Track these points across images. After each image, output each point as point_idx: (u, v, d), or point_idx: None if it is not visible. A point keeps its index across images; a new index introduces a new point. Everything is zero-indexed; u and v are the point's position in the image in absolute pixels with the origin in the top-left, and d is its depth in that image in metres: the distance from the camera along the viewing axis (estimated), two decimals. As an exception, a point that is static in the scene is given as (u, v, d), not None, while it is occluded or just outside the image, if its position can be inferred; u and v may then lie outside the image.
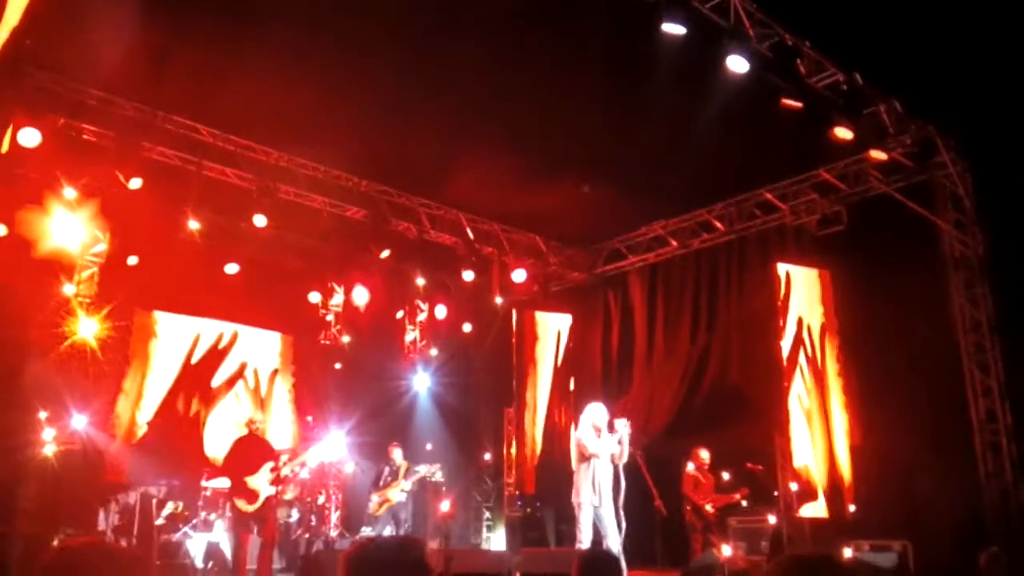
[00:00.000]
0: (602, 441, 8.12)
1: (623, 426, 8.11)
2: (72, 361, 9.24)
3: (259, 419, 8.42)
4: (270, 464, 7.79)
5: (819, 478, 9.06)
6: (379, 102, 8.45)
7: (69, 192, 8.75)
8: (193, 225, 9.48)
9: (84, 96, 8.54)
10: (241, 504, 7.66)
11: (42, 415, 8.67)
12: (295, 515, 10.21)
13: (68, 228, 8.92)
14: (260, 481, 7.68)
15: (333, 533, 11.24)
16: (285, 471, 8.03)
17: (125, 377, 10.18)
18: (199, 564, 9.34)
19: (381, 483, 9.93)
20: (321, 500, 11.35)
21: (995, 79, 7.21)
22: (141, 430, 10.17)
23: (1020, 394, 8.14)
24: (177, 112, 9.01)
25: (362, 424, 11.83)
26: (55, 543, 7.61)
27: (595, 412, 8.29)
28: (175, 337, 10.88)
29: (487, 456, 13.33)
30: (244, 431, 8.43)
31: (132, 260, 9.88)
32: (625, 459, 8.17)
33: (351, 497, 11.97)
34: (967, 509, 7.88)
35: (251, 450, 7.90)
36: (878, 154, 8.37)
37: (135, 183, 8.62)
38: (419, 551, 1.82)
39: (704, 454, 9.73)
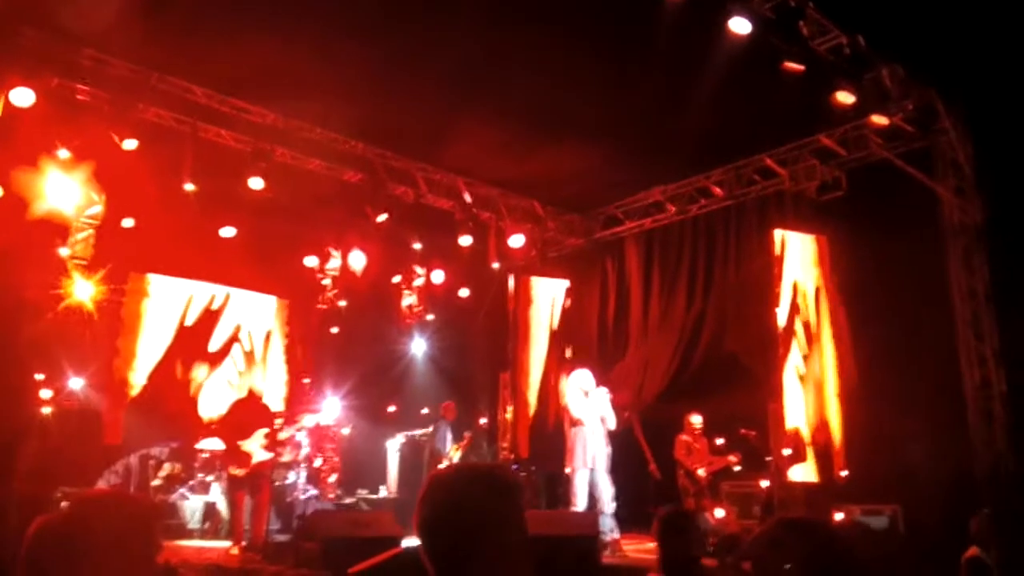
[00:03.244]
0: (588, 405, 8.19)
1: (603, 395, 8.19)
2: (68, 323, 9.24)
3: (260, 390, 8.43)
4: (264, 430, 7.85)
5: (811, 442, 9.12)
6: (376, 64, 8.33)
7: (63, 153, 8.69)
8: (188, 187, 9.42)
9: (77, 56, 8.41)
10: (233, 468, 7.73)
11: (38, 376, 8.70)
12: (292, 478, 10.28)
13: (63, 190, 8.86)
14: (253, 445, 7.74)
15: (330, 495, 11.34)
16: (281, 435, 8.08)
17: (118, 338, 10.16)
18: (194, 525, 9.45)
19: (456, 443, 10.11)
20: (318, 463, 11.43)
21: (998, 45, 7.12)
22: (134, 391, 10.19)
23: (1014, 362, 8.16)
24: (172, 73, 8.89)
25: (359, 388, 11.90)
26: (55, 501, 7.70)
27: (581, 377, 8.39)
28: (169, 299, 10.85)
29: (483, 420, 13.41)
30: (242, 394, 8.47)
31: (127, 222, 9.85)
32: (612, 426, 8.25)
33: (348, 460, 12.07)
34: (958, 475, 7.95)
35: (246, 414, 7.95)
36: (879, 119, 8.29)
37: (130, 144, 8.54)
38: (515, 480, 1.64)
39: (696, 419, 9.78)
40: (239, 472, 7.69)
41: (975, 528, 5.27)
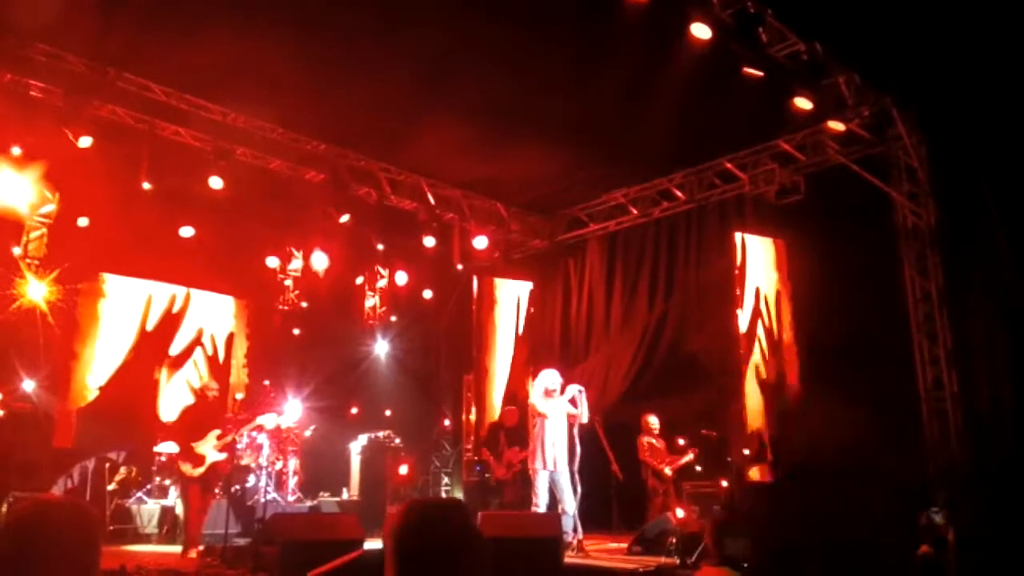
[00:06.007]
0: (553, 403, 8.23)
1: (576, 390, 8.24)
2: (21, 324, 9.04)
3: (214, 387, 8.37)
4: (217, 431, 7.78)
5: (770, 443, 9.24)
6: (338, 63, 8.27)
7: (16, 150, 8.49)
8: (146, 186, 9.24)
9: (30, 51, 8.22)
10: (187, 469, 7.65)
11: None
12: (252, 481, 10.15)
13: (15, 188, 8.67)
14: (206, 447, 7.67)
15: (291, 498, 11.21)
16: (237, 436, 8.01)
17: (74, 340, 9.97)
18: (151, 530, 9.29)
19: (502, 447, 10.08)
20: (279, 465, 11.30)
21: (951, 53, 7.28)
22: (92, 394, 10.00)
23: (966, 363, 8.34)
24: (129, 69, 8.72)
25: (321, 389, 11.79)
26: (3, 507, 7.53)
27: (547, 377, 8.41)
28: (126, 300, 10.66)
29: (446, 422, 13.38)
30: (196, 396, 8.38)
31: (83, 221, 9.66)
32: (584, 420, 8.28)
33: (310, 462, 11.94)
34: (912, 475, 8.10)
35: (200, 416, 7.88)
36: (836, 125, 8.45)
37: (85, 142, 8.37)
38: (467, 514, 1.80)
39: (653, 419, 9.85)
40: (193, 473, 7.62)
41: (924, 523, 5.38)
